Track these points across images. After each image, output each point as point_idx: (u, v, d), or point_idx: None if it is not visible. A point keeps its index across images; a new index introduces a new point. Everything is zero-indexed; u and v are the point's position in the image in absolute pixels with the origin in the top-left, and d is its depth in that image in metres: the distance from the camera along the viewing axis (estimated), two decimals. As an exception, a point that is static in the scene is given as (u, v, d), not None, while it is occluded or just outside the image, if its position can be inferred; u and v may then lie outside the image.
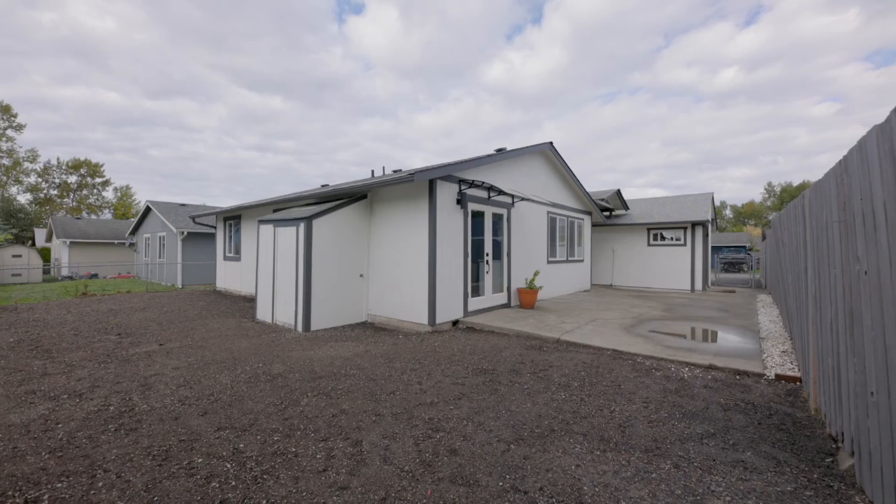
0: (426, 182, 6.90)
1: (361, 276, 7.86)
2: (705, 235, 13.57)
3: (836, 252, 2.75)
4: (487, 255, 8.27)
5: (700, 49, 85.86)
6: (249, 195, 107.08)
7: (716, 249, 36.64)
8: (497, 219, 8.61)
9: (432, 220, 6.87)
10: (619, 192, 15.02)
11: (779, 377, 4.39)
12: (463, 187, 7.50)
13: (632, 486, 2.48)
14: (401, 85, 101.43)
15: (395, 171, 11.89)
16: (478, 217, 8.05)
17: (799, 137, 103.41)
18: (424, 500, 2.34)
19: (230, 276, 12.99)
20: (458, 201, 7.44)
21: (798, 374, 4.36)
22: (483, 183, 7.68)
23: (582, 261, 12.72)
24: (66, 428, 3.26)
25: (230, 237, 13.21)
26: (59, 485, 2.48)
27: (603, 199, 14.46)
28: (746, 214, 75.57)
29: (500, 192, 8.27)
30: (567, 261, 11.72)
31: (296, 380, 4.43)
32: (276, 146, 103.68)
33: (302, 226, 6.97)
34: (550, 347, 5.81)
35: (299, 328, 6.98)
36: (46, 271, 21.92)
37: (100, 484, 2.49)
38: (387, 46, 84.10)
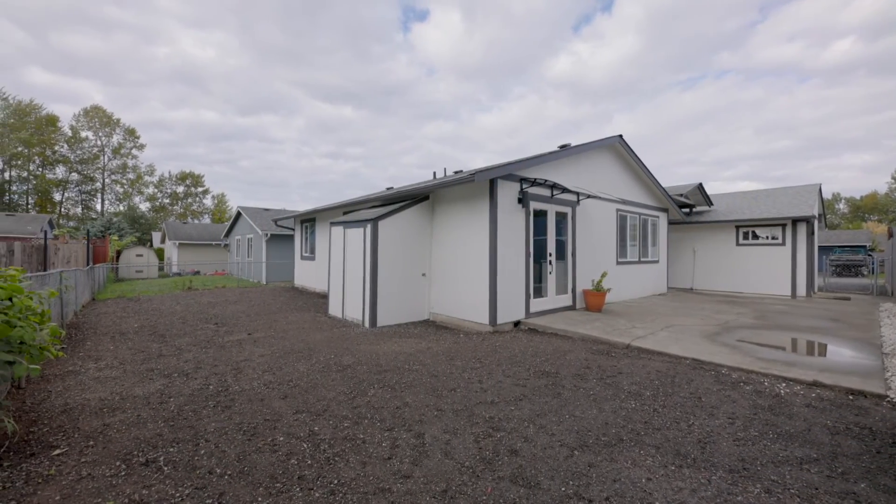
0: (487, 182, 6.89)
1: (424, 275, 8.08)
2: (810, 233, 11.80)
3: None
4: (550, 255, 8.03)
5: (805, 20, 74.07)
6: (323, 199, 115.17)
7: (825, 250, 31.67)
8: (561, 218, 8.32)
9: (493, 220, 6.85)
10: (700, 187, 13.67)
11: (908, 400, 3.69)
12: (524, 186, 7.37)
13: (712, 507, 2.26)
14: (463, 87, 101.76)
15: (456, 172, 12.03)
16: (540, 216, 7.85)
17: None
18: (484, 497, 2.36)
19: (306, 274, 14.12)
20: (520, 200, 7.32)
21: (936, 399, 3.63)
22: (546, 181, 7.47)
23: (657, 262, 11.78)
24: (177, 402, 3.80)
25: (306, 238, 14.36)
26: (171, 449, 2.90)
27: (681, 195, 13.25)
28: (867, 208, 64.29)
29: (564, 190, 7.98)
30: (639, 262, 10.94)
31: (363, 371, 4.70)
32: (346, 153, 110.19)
33: (369, 227, 7.35)
34: (619, 353, 5.48)
35: (366, 324, 7.38)
36: (161, 268, 25.65)
37: (202, 451, 2.87)
38: (450, 50, 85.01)
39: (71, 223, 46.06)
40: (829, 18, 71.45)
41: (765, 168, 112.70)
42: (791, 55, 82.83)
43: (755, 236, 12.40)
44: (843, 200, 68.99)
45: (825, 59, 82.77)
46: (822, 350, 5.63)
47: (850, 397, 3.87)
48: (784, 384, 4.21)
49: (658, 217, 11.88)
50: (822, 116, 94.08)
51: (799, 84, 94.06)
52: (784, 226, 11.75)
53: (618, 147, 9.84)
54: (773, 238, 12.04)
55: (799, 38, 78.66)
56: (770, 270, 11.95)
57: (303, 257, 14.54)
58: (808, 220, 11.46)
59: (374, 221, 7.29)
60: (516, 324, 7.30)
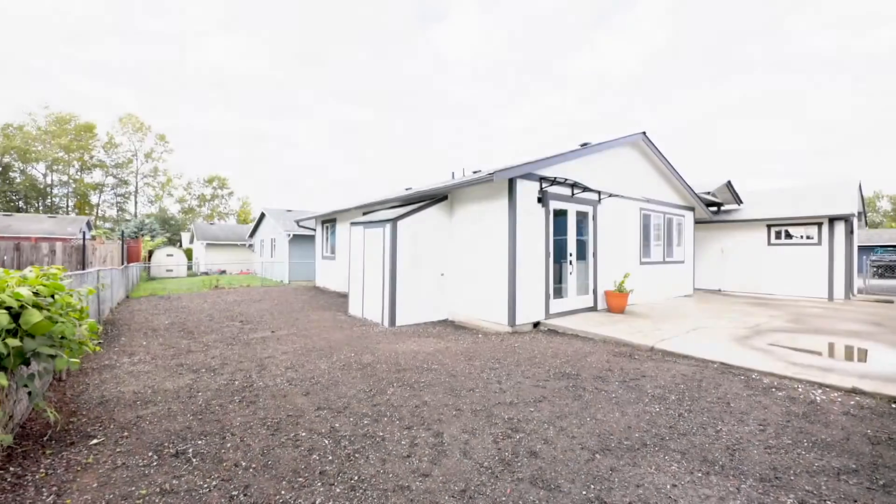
0: (506, 181, 6.85)
1: (442, 275, 8.09)
2: (849, 232, 11.19)
3: None
4: (571, 255, 7.91)
5: (843, 7, 70.27)
6: (344, 200, 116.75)
7: (865, 249, 29.95)
8: (581, 217, 8.18)
9: (512, 220, 6.80)
10: (729, 184, 13.17)
11: (959, 410, 3.46)
12: (544, 185, 7.28)
13: (742, 516, 2.17)
14: (482, 85, 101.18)
15: (474, 172, 11.99)
16: (560, 215, 7.74)
17: None
18: (504, 498, 2.34)
19: (327, 274, 14.37)
20: (539, 199, 7.24)
21: None
22: (566, 180, 7.36)
23: (682, 262, 11.43)
24: (204, 396, 3.93)
25: (327, 239, 14.62)
26: (200, 442, 3.01)
27: (708, 193, 12.80)
28: (911, 206, 60.52)
29: (585, 189, 7.84)
30: (664, 262, 10.63)
31: (383, 370, 4.75)
32: (366, 154, 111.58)
33: (388, 227, 7.42)
34: (643, 356, 5.34)
35: (386, 323, 7.45)
36: (189, 268, 26.64)
37: (228, 445, 2.96)
38: (469, 49, 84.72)
39: (107, 224, 48.39)
40: (867, 5, 67.33)
41: (799, 164, 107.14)
42: (828, 45, 78.51)
43: (788, 235, 11.85)
44: (884, 198, 65.11)
45: (867, 49, 78.04)
46: (862, 355, 5.34)
47: (893, 406, 3.65)
48: (820, 391, 4.01)
49: (684, 216, 11.52)
50: (862, 109, 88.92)
51: (838, 75, 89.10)
52: (820, 224, 11.19)
53: (641, 144, 9.60)
54: (808, 237, 11.48)
55: (836, 26, 74.47)
56: (805, 272, 11.40)
57: (324, 257, 14.80)
58: (846, 219, 10.88)
59: (394, 222, 7.36)
60: (536, 325, 7.22)
